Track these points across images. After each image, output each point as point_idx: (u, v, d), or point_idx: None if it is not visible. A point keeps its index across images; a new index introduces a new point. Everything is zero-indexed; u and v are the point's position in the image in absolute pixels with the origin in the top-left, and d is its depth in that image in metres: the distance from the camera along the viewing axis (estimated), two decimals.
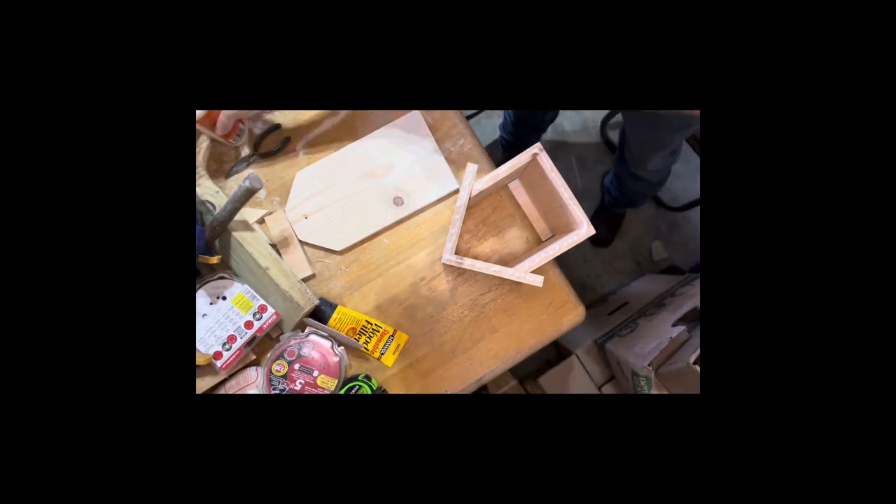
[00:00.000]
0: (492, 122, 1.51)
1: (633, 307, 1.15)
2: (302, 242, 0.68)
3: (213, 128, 0.63)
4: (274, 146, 0.69)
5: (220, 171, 0.70)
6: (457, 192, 0.68)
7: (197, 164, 0.65)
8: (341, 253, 0.68)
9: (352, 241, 0.68)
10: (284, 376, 0.62)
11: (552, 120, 1.10)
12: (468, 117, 1.31)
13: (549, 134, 1.47)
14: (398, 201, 0.68)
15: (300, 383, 0.62)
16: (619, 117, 1.48)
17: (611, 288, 1.47)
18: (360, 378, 0.65)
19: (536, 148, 0.59)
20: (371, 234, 0.68)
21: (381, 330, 0.67)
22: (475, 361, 0.68)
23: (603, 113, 1.50)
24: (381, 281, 0.68)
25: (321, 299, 0.65)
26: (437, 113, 0.70)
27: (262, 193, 0.69)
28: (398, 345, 0.68)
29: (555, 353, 1.32)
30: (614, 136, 1.49)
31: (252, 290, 0.63)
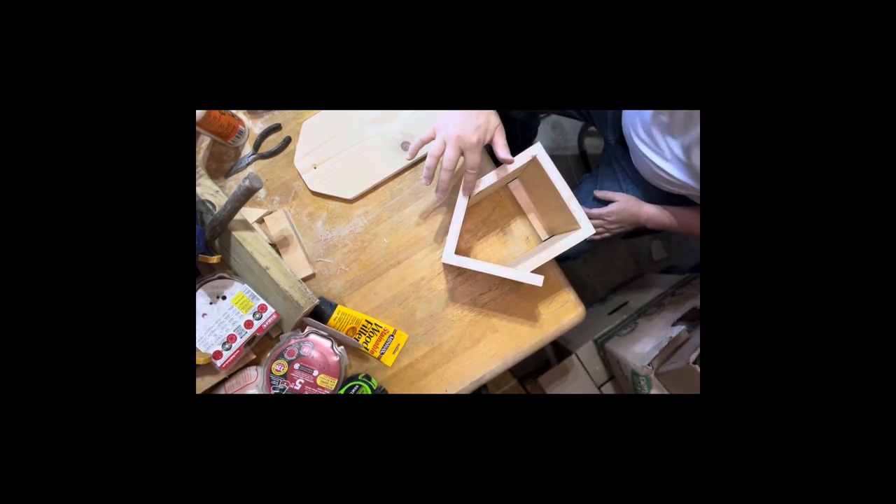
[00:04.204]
0: None
1: (633, 307, 1.15)
2: (313, 193, 0.68)
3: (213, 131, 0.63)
4: (274, 146, 0.69)
5: (220, 171, 0.70)
6: None
7: (197, 164, 0.65)
8: (352, 201, 0.69)
9: (362, 188, 0.68)
10: (284, 376, 0.62)
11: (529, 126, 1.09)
12: None
13: (550, 134, 1.47)
14: (406, 146, 0.68)
15: (300, 383, 0.62)
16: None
17: (611, 288, 1.47)
18: (360, 378, 0.65)
19: (536, 148, 0.59)
20: (381, 181, 0.68)
21: (381, 330, 0.67)
22: (475, 361, 0.68)
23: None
24: (381, 281, 0.68)
25: (321, 299, 0.66)
26: None
27: (262, 193, 0.69)
28: (398, 344, 0.68)
29: (555, 353, 1.32)
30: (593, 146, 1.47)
31: (252, 290, 0.63)
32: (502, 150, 0.58)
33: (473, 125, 0.55)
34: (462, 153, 0.56)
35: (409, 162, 0.68)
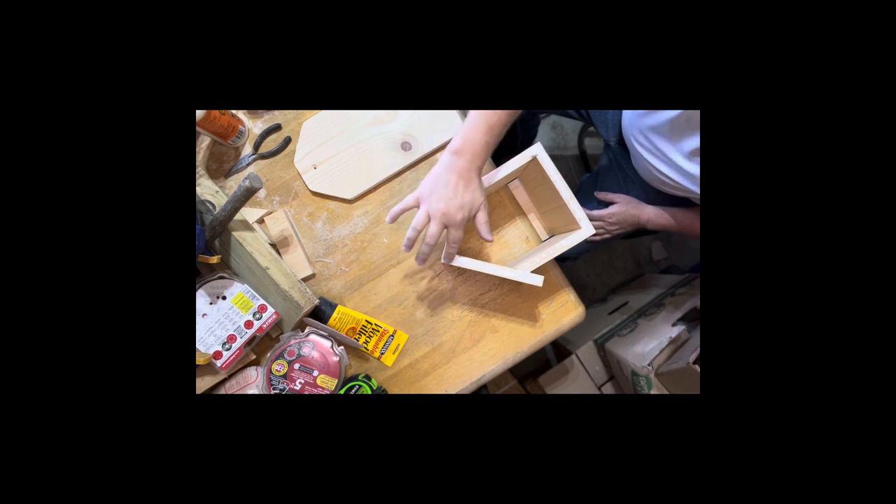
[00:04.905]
0: None
1: (633, 307, 1.15)
2: (313, 193, 0.68)
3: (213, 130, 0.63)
4: (274, 146, 0.69)
5: (220, 171, 0.70)
6: None
7: (197, 164, 0.65)
8: (352, 201, 0.69)
9: (362, 188, 0.68)
10: (284, 376, 0.62)
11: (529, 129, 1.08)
12: None
13: (550, 134, 1.47)
14: (406, 146, 0.68)
15: (300, 383, 0.62)
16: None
17: (611, 288, 1.47)
18: (360, 378, 0.65)
19: (536, 148, 0.59)
20: (381, 181, 0.69)
21: (381, 330, 0.67)
22: (475, 361, 0.68)
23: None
24: (381, 281, 0.68)
25: (321, 299, 0.65)
26: None
27: (262, 193, 0.69)
28: (398, 345, 0.68)
29: (555, 353, 1.32)
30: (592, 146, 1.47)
31: (252, 290, 0.63)
32: (483, 227, 0.56)
33: (459, 203, 0.53)
34: (445, 227, 0.55)
35: (408, 162, 0.68)
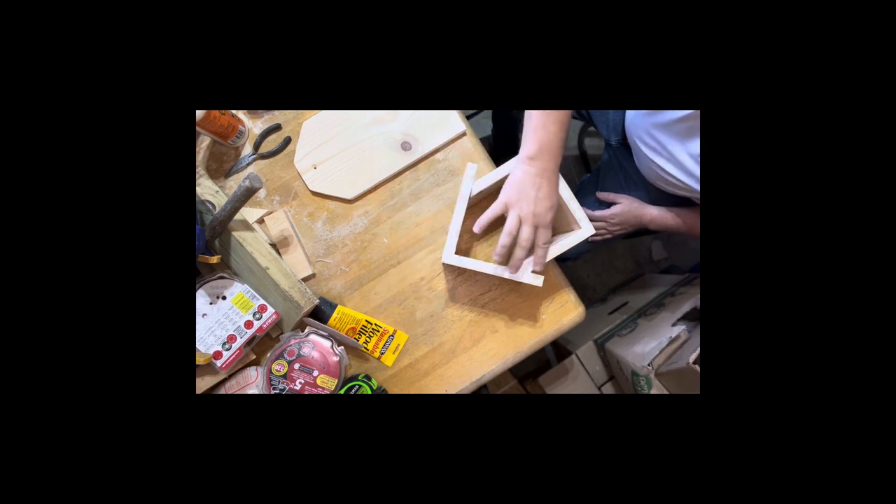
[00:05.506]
0: (492, 123, 1.51)
1: (633, 307, 1.15)
2: (313, 193, 0.69)
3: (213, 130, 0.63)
4: (274, 146, 0.69)
5: (220, 171, 0.70)
6: (463, 134, 0.69)
7: (197, 164, 0.65)
8: (352, 201, 0.69)
9: (362, 188, 0.68)
10: (284, 376, 0.62)
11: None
12: (468, 117, 1.31)
13: None
14: (406, 146, 0.68)
15: (300, 383, 0.62)
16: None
17: (611, 288, 1.47)
18: (360, 378, 0.65)
19: None
20: (381, 181, 0.69)
21: (381, 330, 0.67)
22: (475, 361, 0.68)
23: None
24: (381, 281, 0.68)
25: (321, 299, 0.66)
26: None
27: (262, 193, 0.69)
28: (398, 345, 0.68)
29: (555, 353, 1.32)
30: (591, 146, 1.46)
31: (252, 290, 0.63)
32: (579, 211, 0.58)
33: (549, 203, 0.55)
34: (536, 229, 0.55)
35: (408, 162, 0.68)
